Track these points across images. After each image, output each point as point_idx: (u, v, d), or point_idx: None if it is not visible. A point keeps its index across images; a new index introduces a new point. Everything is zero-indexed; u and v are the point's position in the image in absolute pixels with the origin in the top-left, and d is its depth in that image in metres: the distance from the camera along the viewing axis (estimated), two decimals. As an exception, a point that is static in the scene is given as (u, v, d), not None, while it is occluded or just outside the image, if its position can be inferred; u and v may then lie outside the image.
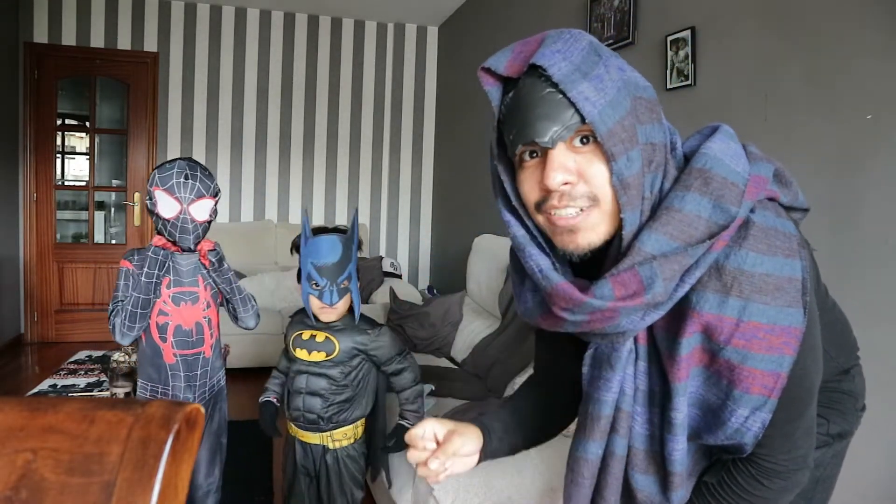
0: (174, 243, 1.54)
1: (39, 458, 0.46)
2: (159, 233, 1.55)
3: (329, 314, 1.59)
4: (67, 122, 4.92)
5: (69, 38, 4.43)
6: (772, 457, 0.75)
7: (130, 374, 2.19)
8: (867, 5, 1.55)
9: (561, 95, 0.66)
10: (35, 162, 4.40)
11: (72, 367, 2.73)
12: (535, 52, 0.69)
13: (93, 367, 2.70)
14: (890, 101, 1.48)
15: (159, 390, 1.60)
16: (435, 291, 4.45)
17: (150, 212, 1.53)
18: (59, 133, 4.64)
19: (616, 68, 0.69)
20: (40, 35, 4.37)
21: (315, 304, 1.58)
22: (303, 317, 1.68)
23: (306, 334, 1.64)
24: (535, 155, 0.72)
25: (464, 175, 4.49)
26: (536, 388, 1.03)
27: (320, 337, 1.62)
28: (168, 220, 1.50)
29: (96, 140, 4.70)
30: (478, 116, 4.18)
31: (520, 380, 2.22)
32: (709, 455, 0.82)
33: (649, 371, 0.77)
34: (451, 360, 2.89)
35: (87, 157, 4.69)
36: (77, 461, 0.46)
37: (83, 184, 4.82)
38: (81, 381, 2.50)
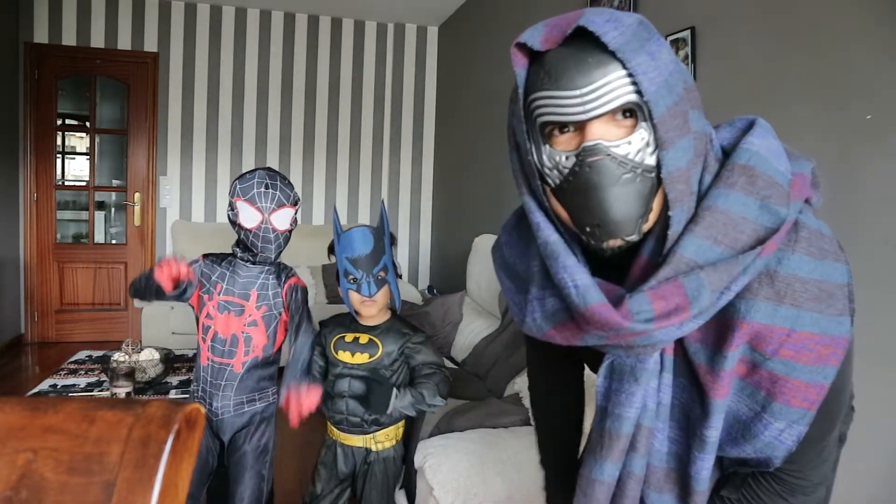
0: (254, 254, 1.55)
1: (40, 457, 0.46)
2: (239, 243, 1.58)
3: (369, 307, 1.58)
4: (67, 122, 4.92)
5: (69, 38, 4.43)
6: (801, 472, 0.70)
7: (130, 374, 2.19)
8: (867, 5, 1.55)
9: (615, 64, 0.59)
10: (35, 162, 4.40)
11: (72, 367, 2.73)
12: (576, 21, 0.61)
13: (93, 367, 2.70)
14: (890, 101, 1.48)
15: (199, 389, 1.63)
16: (435, 291, 4.45)
17: (232, 222, 1.54)
18: (60, 133, 4.64)
19: (668, 49, 0.62)
20: (40, 35, 4.37)
21: (355, 300, 1.58)
22: (342, 320, 1.69)
23: (349, 337, 1.63)
24: (566, 130, 0.63)
25: (464, 175, 4.49)
26: (557, 435, 0.99)
27: (364, 339, 1.62)
28: (250, 231, 1.51)
29: (96, 140, 4.70)
30: (478, 117, 4.18)
31: (520, 380, 2.21)
32: (721, 466, 0.76)
33: (676, 384, 0.71)
34: (452, 360, 2.89)
35: (88, 157, 4.69)
36: (77, 461, 0.46)
37: (83, 184, 4.82)
38: (81, 381, 2.50)
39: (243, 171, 1.57)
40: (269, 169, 1.55)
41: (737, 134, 0.69)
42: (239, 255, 1.59)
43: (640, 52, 0.59)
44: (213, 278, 1.60)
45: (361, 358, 1.60)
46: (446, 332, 2.98)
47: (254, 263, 1.59)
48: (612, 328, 0.60)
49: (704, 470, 0.69)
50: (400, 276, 4.52)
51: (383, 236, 1.58)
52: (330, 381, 1.63)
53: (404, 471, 1.75)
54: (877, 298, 1.50)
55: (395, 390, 1.55)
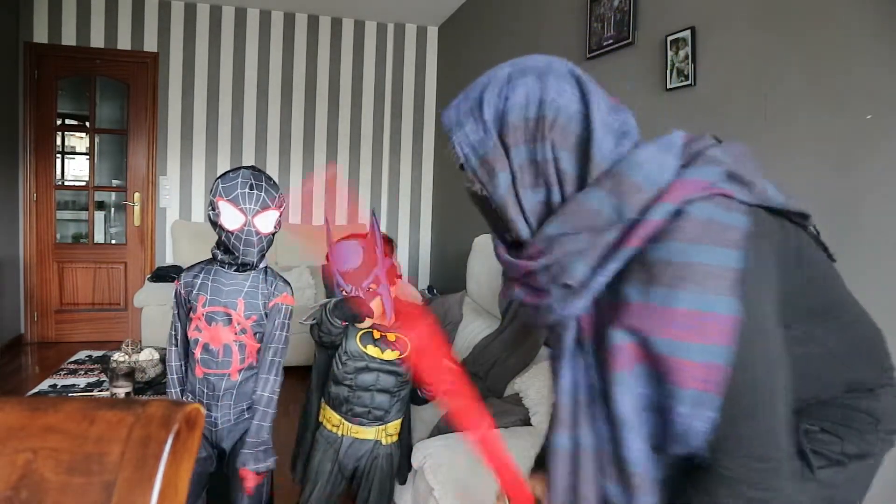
0: (235, 257, 1.49)
1: (40, 457, 0.46)
2: (220, 245, 1.51)
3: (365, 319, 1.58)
4: (67, 122, 4.92)
5: (69, 38, 4.43)
6: (724, 461, 0.72)
7: (130, 374, 2.19)
8: (867, 5, 1.55)
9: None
10: (35, 162, 4.40)
11: (72, 367, 2.73)
12: (458, 97, 0.91)
13: (93, 367, 2.70)
14: (890, 101, 1.48)
15: (193, 401, 1.59)
16: (435, 291, 4.45)
17: (213, 223, 1.48)
18: (59, 133, 4.64)
19: (494, 111, 0.83)
20: (40, 35, 4.37)
21: None
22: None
23: (376, 333, 1.64)
24: None
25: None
26: None
27: (392, 336, 1.64)
28: (232, 233, 1.44)
29: (96, 140, 4.70)
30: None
31: (520, 380, 2.22)
32: (685, 470, 0.79)
33: (595, 366, 0.80)
34: (451, 360, 2.89)
35: (87, 157, 4.69)
36: (77, 461, 0.46)
37: (83, 184, 4.82)
38: (81, 381, 2.49)
39: (226, 170, 1.51)
40: (254, 168, 1.48)
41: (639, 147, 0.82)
42: (220, 257, 1.51)
43: (457, 131, 0.86)
44: (195, 291, 1.53)
45: (392, 355, 1.62)
46: (446, 332, 2.98)
47: (237, 270, 1.52)
48: (503, 262, 0.88)
49: (631, 451, 0.75)
50: (400, 277, 4.50)
51: (374, 247, 1.57)
52: (350, 375, 1.61)
53: (401, 467, 1.76)
54: (877, 298, 1.50)
55: None
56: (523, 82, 0.82)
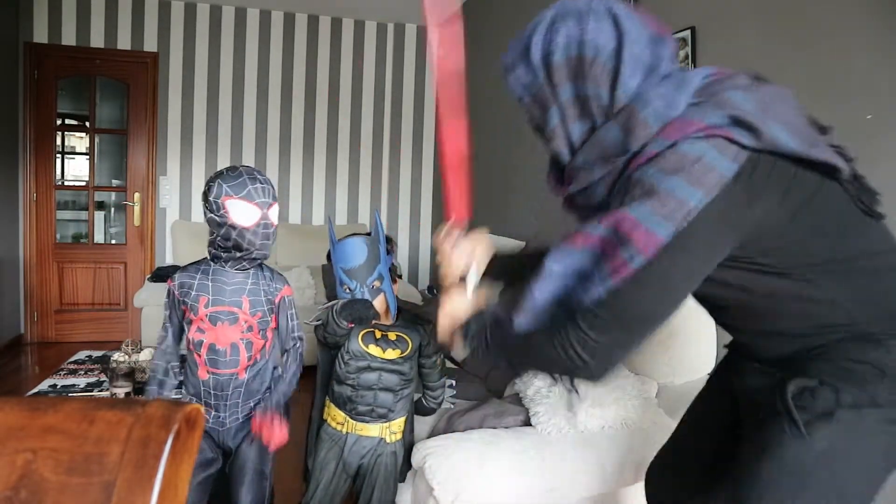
0: (249, 252, 1.49)
1: (39, 458, 0.46)
2: (222, 244, 1.48)
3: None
4: (67, 122, 4.91)
5: (69, 38, 4.42)
6: (574, 327, 0.88)
7: (130, 374, 2.19)
8: (867, 5, 1.55)
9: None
10: (35, 162, 4.40)
11: (72, 367, 2.72)
12: (513, 41, 0.98)
13: (93, 367, 2.70)
14: (890, 101, 1.48)
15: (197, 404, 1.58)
16: (435, 291, 4.45)
17: (217, 224, 1.46)
18: (59, 133, 4.64)
19: (541, 53, 0.91)
20: (40, 35, 4.37)
21: None
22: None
23: (378, 333, 1.65)
24: None
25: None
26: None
27: (393, 335, 1.66)
28: (247, 228, 1.45)
29: (96, 140, 4.70)
30: (478, 116, 4.18)
31: (519, 380, 2.21)
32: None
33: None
34: (451, 360, 2.89)
35: (87, 157, 4.69)
36: (77, 461, 0.46)
37: (83, 184, 4.82)
38: (81, 381, 2.49)
39: (221, 169, 1.51)
40: (246, 166, 1.51)
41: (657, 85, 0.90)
42: (224, 256, 1.50)
43: (511, 72, 0.97)
44: (194, 293, 1.53)
45: (394, 353, 1.64)
46: (446, 332, 2.98)
47: (240, 268, 1.52)
48: (552, 191, 1.05)
49: (540, 293, 0.95)
50: (400, 277, 4.52)
51: (378, 245, 1.59)
52: (352, 374, 1.63)
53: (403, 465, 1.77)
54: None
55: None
56: (565, 25, 0.89)
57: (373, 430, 1.65)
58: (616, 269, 0.84)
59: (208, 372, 1.53)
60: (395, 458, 1.70)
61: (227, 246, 1.48)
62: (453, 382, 2.27)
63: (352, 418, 1.65)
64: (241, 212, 1.44)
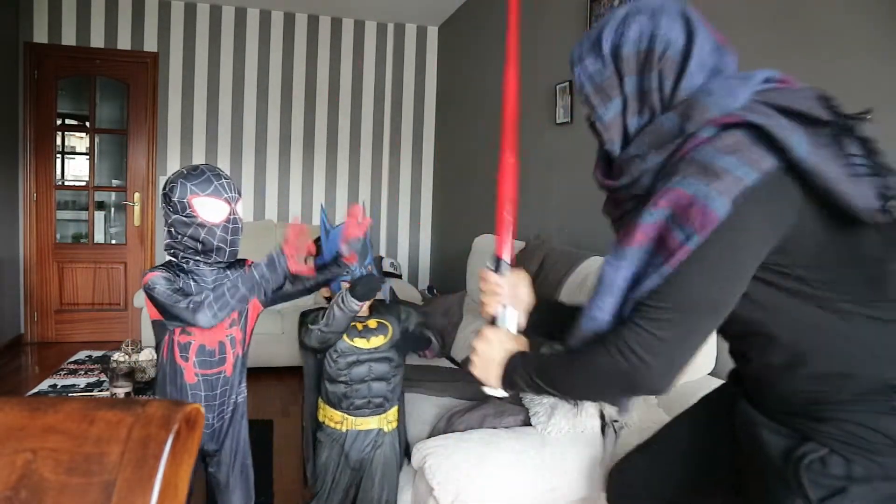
0: (221, 251, 1.44)
1: (39, 458, 0.46)
2: (191, 246, 1.44)
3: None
4: (67, 122, 4.91)
5: (69, 38, 4.42)
6: (628, 326, 0.85)
7: (130, 374, 2.19)
8: (867, 5, 1.55)
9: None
10: (35, 162, 4.40)
11: (72, 367, 2.73)
12: (582, 37, 1.00)
13: (93, 367, 2.70)
14: (890, 101, 1.48)
15: None
16: (435, 291, 4.45)
17: (186, 224, 1.41)
18: (59, 133, 4.64)
19: (611, 45, 0.93)
20: (40, 35, 4.37)
21: None
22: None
23: (359, 325, 1.68)
24: None
25: (464, 175, 4.49)
26: None
27: (373, 323, 1.69)
28: (217, 225, 1.42)
29: (96, 140, 4.70)
30: (478, 116, 4.18)
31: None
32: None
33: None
34: (451, 360, 2.89)
35: (87, 157, 4.69)
36: (77, 461, 0.46)
37: (83, 184, 4.82)
38: (81, 381, 2.49)
39: (179, 169, 1.45)
40: (208, 164, 1.48)
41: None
42: (195, 260, 1.45)
43: (578, 64, 0.97)
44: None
45: (378, 341, 1.68)
46: (446, 332, 2.98)
47: (219, 266, 1.49)
48: (599, 184, 1.01)
49: (604, 308, 0.92)
50: (399, 276, 4.49)
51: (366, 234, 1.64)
52: (343, 371, 1.65)
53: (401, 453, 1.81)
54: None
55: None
56: (638, 20, 0.91)
57: (371, 422, 1.68)
58: (672, 253, 0.80)
59: (196, 375, 1.50)
60: (394, 446, 1.73)
61: (194, 247, 1.44)
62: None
63: (349, 414, 1.67)
64: (210, 209, 1.41)
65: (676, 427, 1.22)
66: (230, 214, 1.44)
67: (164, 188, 1.44)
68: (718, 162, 0.79)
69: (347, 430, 1.67)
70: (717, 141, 0.82)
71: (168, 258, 1.51)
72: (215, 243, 1.44)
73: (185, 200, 1.40)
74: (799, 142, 0.79)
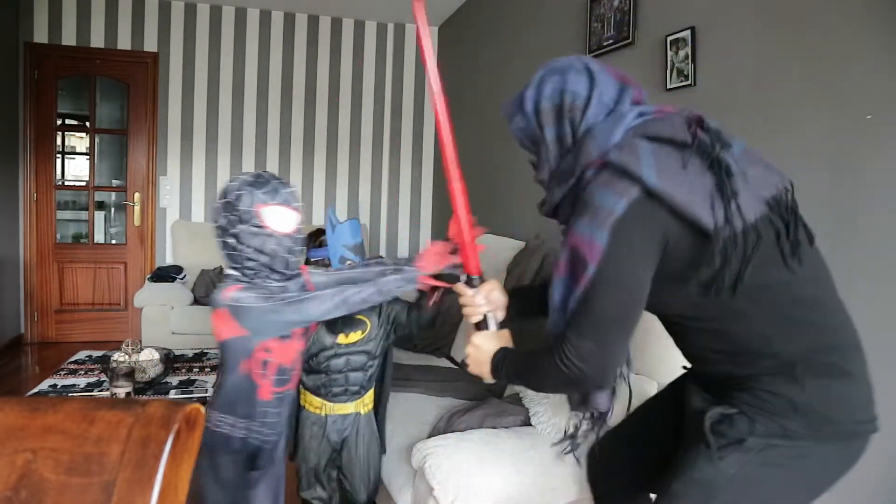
0: (289, 264, 1.36)
1: (39, 458, 0.46)
2: (250, 259, 1.34)
3: None
4: (67, 122, 4.92)
5: (69, 38, 4.42)
6: (565, 340, 1.04)
7: (130, 374, 2.19)
8: (867, 5, 1.55)
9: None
10: (35, 162, 4.40)
11: (72, 367, 2.72)
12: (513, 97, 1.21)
13: (93, 367, 2.69)
14: (890, 101, 1.48)
15: (253, 428, 1.43)
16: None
17: (254, 235, 1.32)
18: (59, 133, 4.64)
19: (532, 103, 1.14)
20: (40, 35, 4.37)
21: None
22: None
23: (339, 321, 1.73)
24: None
25: (464, 174, 4.49)
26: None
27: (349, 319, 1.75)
28: (287, 236, 1.35)
29: (96, 140, 4.70)
30: (478, 117, 4.18)
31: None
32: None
33: None
34: (451, 360, 2.89)
35: (87, 157, 4.69)
36: (77, 461, 0.46)
37: (83, 184, 4.82)
38: (81, 381, 2.49)
39: (239, 177, 1.37)
40: (269, 172, 1.42)
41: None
42: (269, 277, 1.36)
43: (510, 121, 1.19)
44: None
45: (355, 336, 1.74)
46: (446, 332, 2.98)
47: (284, 279, 1.40)
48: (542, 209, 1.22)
49: (556, 320, 1.11)
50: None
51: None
52: (322, 363, 1.72)
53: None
54: (877, 298, 1.50)
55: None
56: (551, 80, 1.11)
57: (348, 407, 1.76)
58: (578, 281, 1.01)
59: (273, 393, 1.43)
60: (371, 426, 1.82)
61: (258, 259, 1.34)
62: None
63: (328, 401, 1.75)
64: (280, 218, 1.34)
65: (645, 411, 1.37)
66: (298, 224, 1.38)
67: (227, 196, 1.34)
68: (597, 198, 1.00)
69: (327, 415, 1.75)
70: (598, 178, 1.02)
71: (230, 272, 1.40)
72: (283, 255, 1.36)
73: (252, 209, 1.32)
74: (648, 172, 0.96)
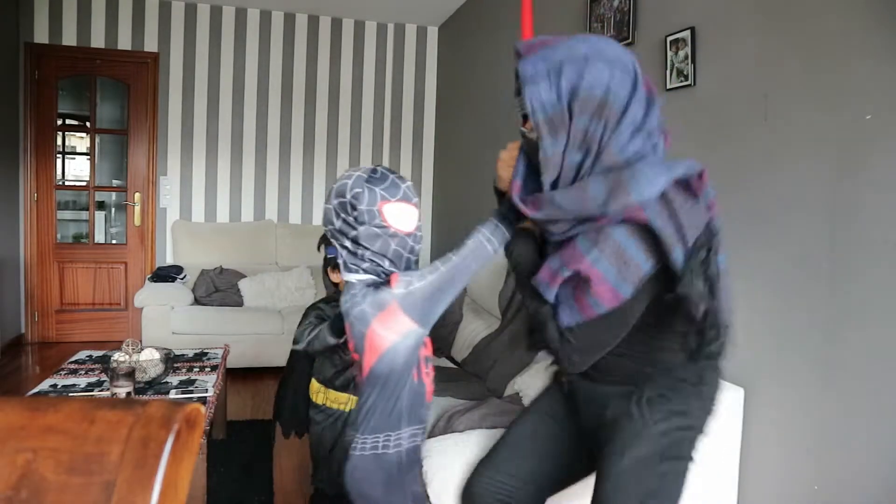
0: (409, 261, 1.23)
1: (39, 457, 0.46)
2: (371, 261, 1.21)
3: None
4: (68, 122, 4.92)
5: (69, 38, 4.43)
6: (562, 348, 1.14)
7: (131, 374, 2.19)
8: (867, 5, 1.55)
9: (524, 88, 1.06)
10: (35, 162, 4.40)
11: (72, 367, 2.72)
12: (536, 50, 1.05)
13: (93, 367, 2.69)
14: (890, 101, 1.48)
15: (419, 433, 1.31)
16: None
17: (377, 236, 1.19)
18: (60, 133, 4.64)
19: (570, 83, 1.01)
20: (40, 35, 4.37)
21: None
22: (330, 310, 1.83)
23: None
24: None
25: (464, 175, 4.49)
26: None
27: None
28: (409, 234, 1.22)
29: (96, 140, 4.70)
30: (478, 116, 4.18)
31: (520, 380, 2.22)
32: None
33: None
34: (451, 359, 2.89)
35: (88, 157, 4.69)
36: (77, 461, 0.46)
37: (83, 184, 4.82)
38: (82, 381, 2.49)
39: (353, 173, 1.24)
40: (383, 166, 1.28)
41: (646, 159, 1.05)
42: (394, 272, 1.21)
43: (531, 84, 1.03)
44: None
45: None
46: (446, 331, 2.98)
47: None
48: (515, 202, 1.14)
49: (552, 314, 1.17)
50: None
51: None
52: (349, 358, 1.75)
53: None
54: (877, 298, 1.50)
55: None
56: (598, 67, 1.00)
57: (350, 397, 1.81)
58: (584, 309, 1.07)
59: (433, 393, 1.33)
60: None
61: (379, 262, 1.21)
62: None
63: (353, 395, 1.78)
64: (403, 215, 1.21)
65: (523, 425, 1.44)
66: (419, 222, 1.26)
67: (344, 195, 1.21)
68: (629, 249, 1.01)
69: (351, 410, 1.76)
70: (630, 225, 1.01)
71: (350, 278, 1.25)
72: (406, 255, 1.23)
73: (374, 208, 1.19)
74: (678, 254, 1.00)
